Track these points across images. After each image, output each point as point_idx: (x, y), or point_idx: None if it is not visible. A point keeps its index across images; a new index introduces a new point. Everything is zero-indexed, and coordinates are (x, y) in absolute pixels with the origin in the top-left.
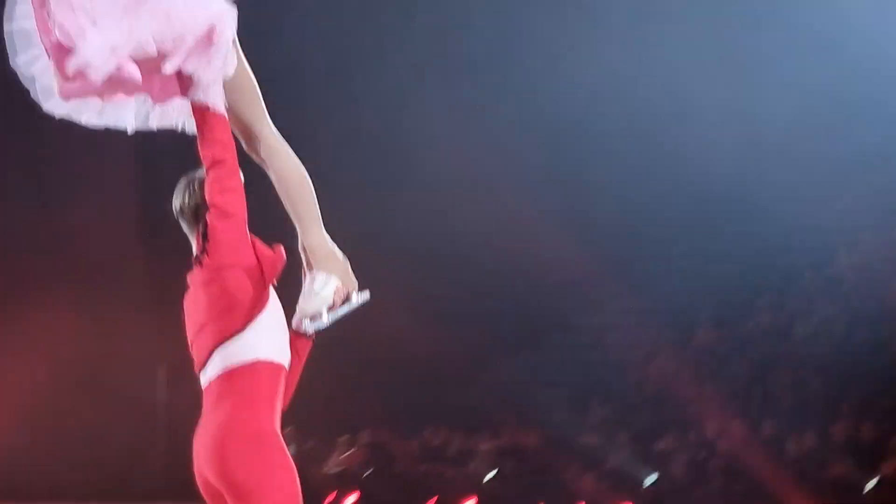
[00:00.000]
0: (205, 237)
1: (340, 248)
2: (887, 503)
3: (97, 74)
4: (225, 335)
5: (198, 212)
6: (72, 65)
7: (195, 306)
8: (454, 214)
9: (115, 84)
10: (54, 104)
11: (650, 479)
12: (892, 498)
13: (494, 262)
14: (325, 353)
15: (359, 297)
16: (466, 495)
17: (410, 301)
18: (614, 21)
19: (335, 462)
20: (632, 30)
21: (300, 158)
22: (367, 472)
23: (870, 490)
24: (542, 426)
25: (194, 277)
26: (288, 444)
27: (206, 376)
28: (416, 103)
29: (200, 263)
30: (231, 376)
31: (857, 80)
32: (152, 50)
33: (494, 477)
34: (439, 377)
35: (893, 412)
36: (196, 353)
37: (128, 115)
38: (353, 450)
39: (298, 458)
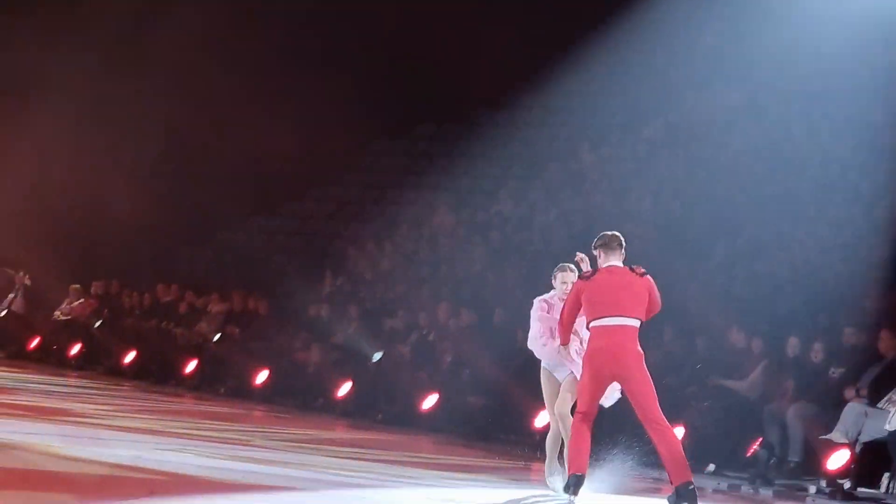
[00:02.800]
0: (643, 274)
1: None
2: None
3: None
4: (642, 314)
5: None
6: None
7: (628, 284)
8: None
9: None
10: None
11: (377, 356)
12: None
13: None
14: (59, 203)
15: None
16: (192, 355)
17: (150, 163)
18: None
19: (66, 310)
20: None
21: None
22: (98, 323)
23: None
24: (273, 294)
25: (626, 273)
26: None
27: (623, 321)
28: None
29: (641, 275)
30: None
31: None
32: None
33: (220, 339)
34: (173, 236)
35: None
36: (617, 307)
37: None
38: (83, 300)
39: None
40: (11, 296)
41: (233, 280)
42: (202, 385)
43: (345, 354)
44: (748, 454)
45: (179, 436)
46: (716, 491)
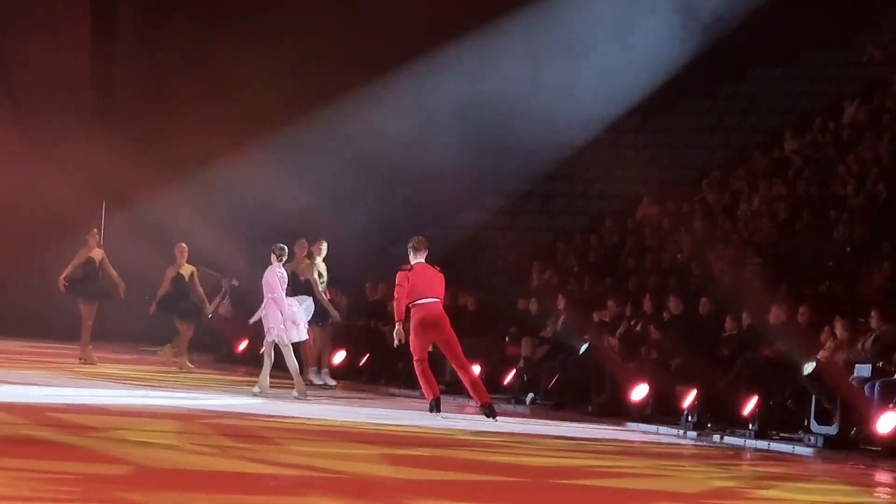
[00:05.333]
0: (440, 270)
1: None
2: None
3: None
4: (442, 295)
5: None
6: None
7: (434, 276)
8: None
9: None
10: None
11: (584, 348)
12: None
13: None
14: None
15: None
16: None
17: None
18: None
19: None
20: None
21: None
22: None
23: None
24: (483, 289)
25: (430, 268)
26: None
27: (435, 300)
28: None
29: (439, 271)
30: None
31: None
32: None
33: None
34: (381, 234)
35: None
36: (431, 291)
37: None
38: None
39: (241, 306)
40: (219, 299)
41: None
42: (412, 382)
43: (554, 347)
44: None
45: (390, 434)
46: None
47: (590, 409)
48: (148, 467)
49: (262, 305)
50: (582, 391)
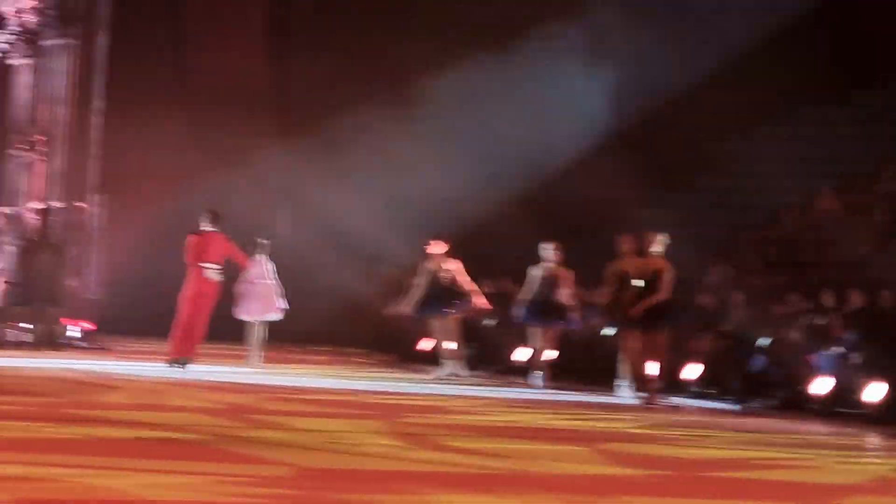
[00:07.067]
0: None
1: None
2: None
3: None
4: None
5: None
6: None
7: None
8: None
9: None
10: None
11: (765, 342)
12: None
13: None
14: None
15: None
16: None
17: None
18: None
19: None
20: None
21: None
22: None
23: None
24: None
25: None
26: None
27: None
28: None
29: None
30: None
31: None
32: None
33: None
34: (499, 238)
35: None
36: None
37: None
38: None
39: None
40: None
41: None
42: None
43: (734, 342)
44: None
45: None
46: None
47: (772, 403)
48: (364, 469)
49: None
50: (764, 385)
